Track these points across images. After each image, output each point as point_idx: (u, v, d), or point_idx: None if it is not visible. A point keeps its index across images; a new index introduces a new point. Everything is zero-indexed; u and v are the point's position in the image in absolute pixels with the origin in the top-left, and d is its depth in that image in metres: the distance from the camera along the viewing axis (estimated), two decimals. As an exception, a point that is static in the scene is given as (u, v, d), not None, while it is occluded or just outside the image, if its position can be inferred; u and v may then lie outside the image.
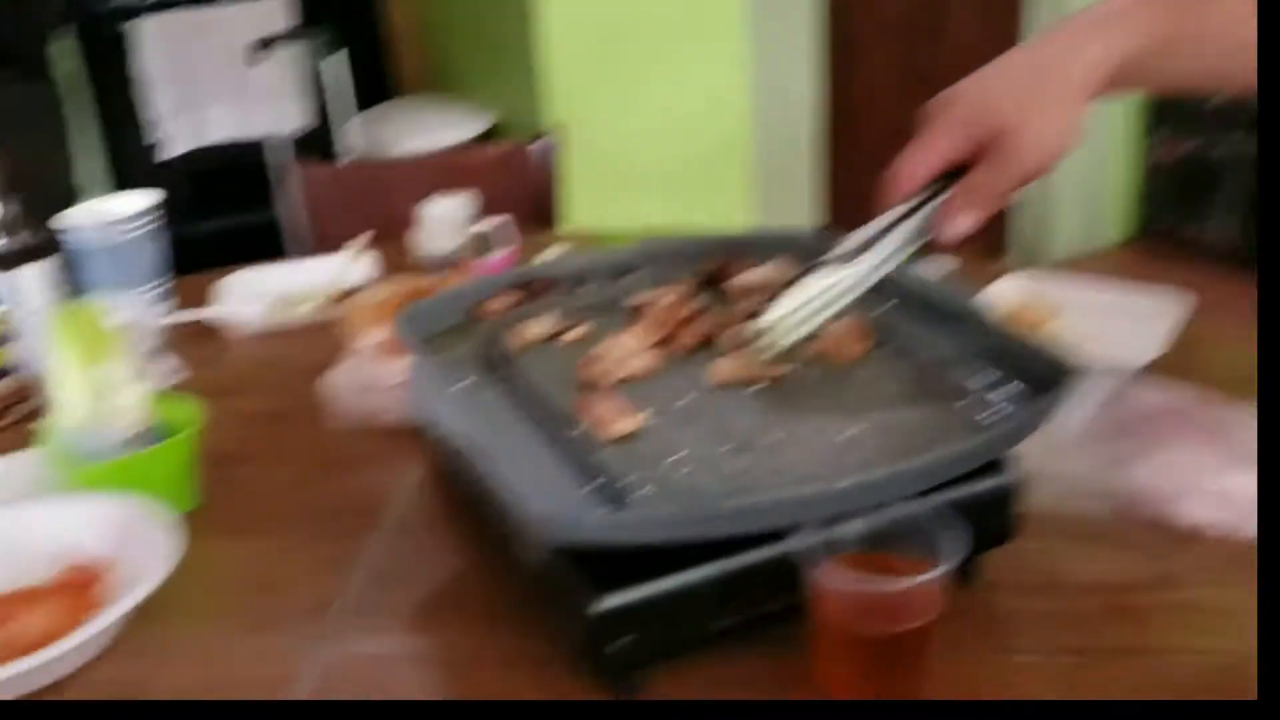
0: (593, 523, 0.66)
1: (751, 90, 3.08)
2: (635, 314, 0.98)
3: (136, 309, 1.23)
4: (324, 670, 0.83)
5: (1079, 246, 3.64)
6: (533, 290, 1.00)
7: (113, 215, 1.44)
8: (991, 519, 0.83)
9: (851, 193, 3.41)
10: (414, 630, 0.88)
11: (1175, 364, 1.12)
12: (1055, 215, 3.57)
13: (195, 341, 1.42)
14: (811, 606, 0.73)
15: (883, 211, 0.82)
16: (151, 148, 3.17)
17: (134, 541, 0.92)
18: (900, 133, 0.84)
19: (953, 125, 0.80)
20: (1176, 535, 0.90)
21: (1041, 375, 0.81)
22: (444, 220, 1.32)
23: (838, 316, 0.82)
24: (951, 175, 0.81)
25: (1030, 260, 3.63)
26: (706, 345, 0.92)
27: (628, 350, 0.90)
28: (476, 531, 0.94)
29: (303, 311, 1.43)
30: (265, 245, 2.89)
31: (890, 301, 0.96)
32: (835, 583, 0.70)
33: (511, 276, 1.02)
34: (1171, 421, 1.00)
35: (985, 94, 0.80)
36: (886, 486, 0.70)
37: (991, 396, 0.82)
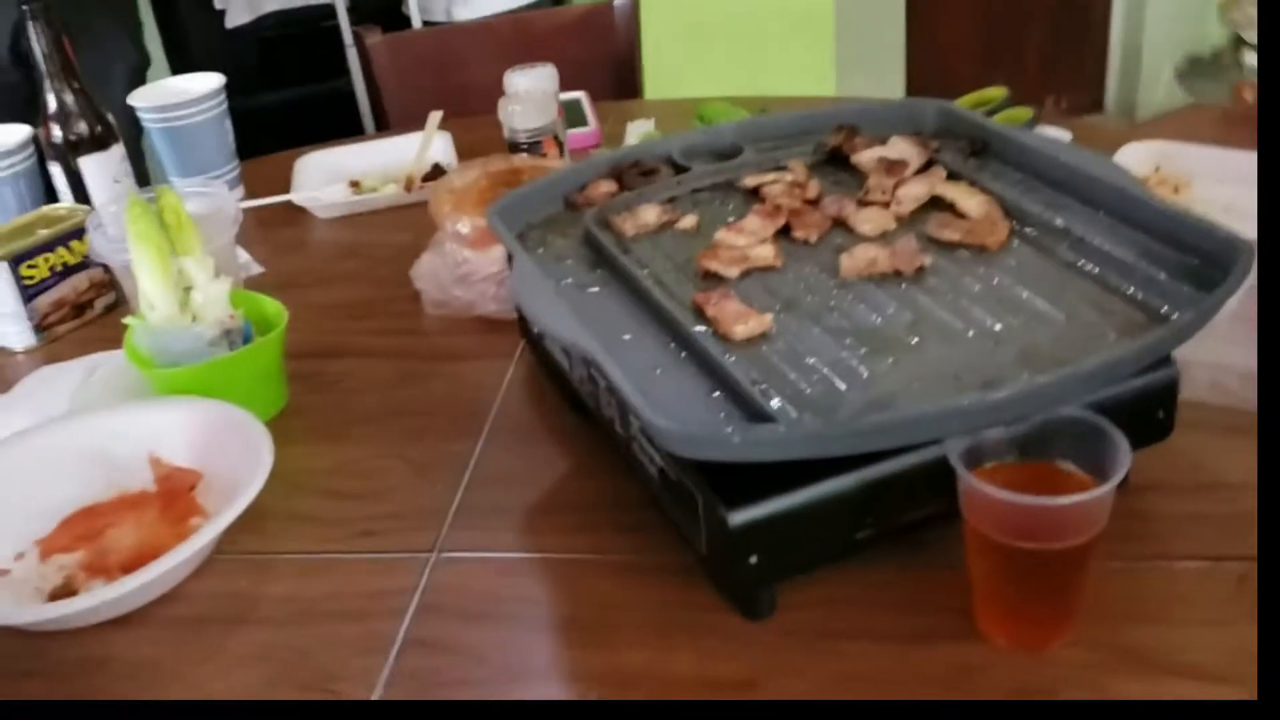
0: (725, 439, 0.60)
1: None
2: (751, 198, 0.91)
3: (212, 197, 1.18)
4: (434, 579, 0.79)
5: (1172, 102, 3.46)
6: (633, 175, 0.93)
7: (179, 97, 1.38)
8: (1148, 416, 0.76)
9: (936, 52, 3.25)
10: (525, 535, 0.83)
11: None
12: (1149, 70, 3.39)
13: (273, 229, 1.37)
14: (963, 520, 0.67)
15: None
16: (210, 17, 3.08)
17: (226, 448, 0.88)
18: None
19: None
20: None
21: (1211, 253, 0.73)
22: (529, 94, 1.24)
23: None
24: None
25: (1125, 114, 3.47)
26: (836, 229, 0.85)
27: (749, 238, 0.83)
28: (587, 432, 0.89)
29: (384, 194, 1.37)
30: (340, 117, 2.84)
31: (1020, 178, 0.88)
32: (990, 496, 0.64)
33: (608, 160, 0.94)
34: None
35: None
36: (1051, 393, 0.64)
37: (1157, 277, 0.74)
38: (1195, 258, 0.74)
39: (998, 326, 0.72)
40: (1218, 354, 0.87)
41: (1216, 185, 1.15)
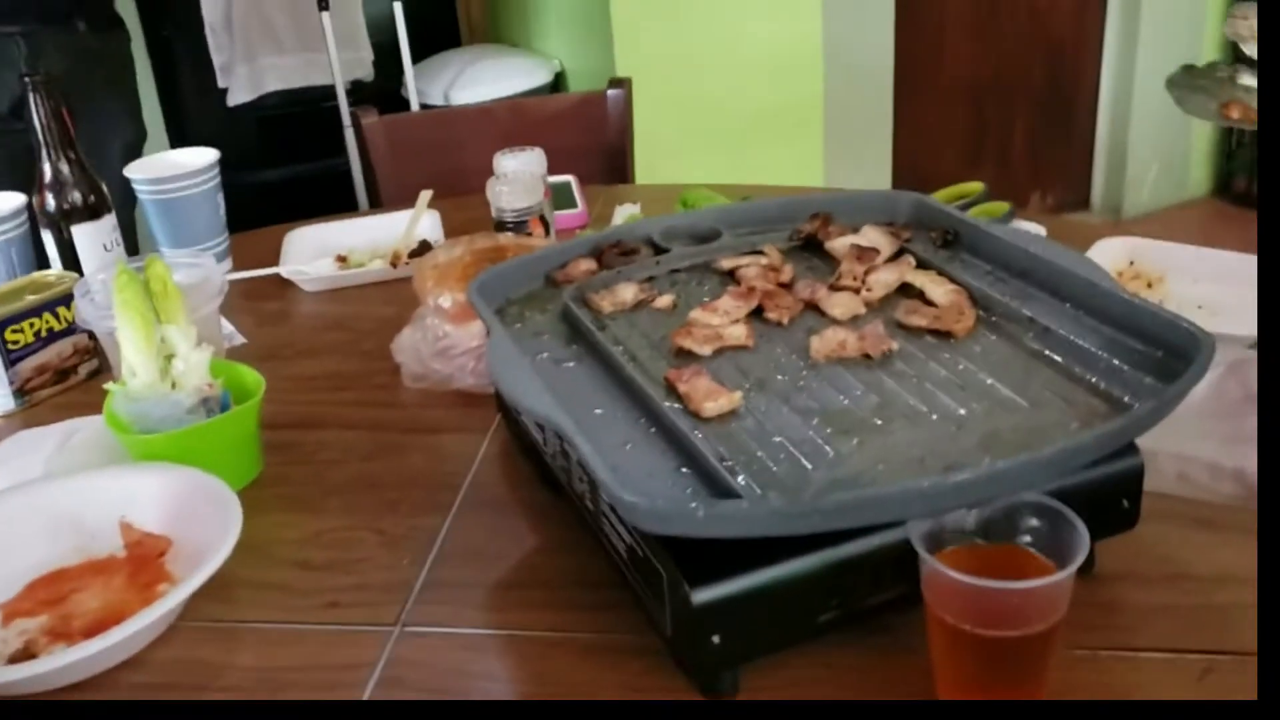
0: (690, 514, 0.61)
1: (824, 41, 2.98)
2: (727, 279, 0.92)
3: (199, 268, 1.19)
4: (397, 653, 0.79)
5: (1157, 201, 3.52)
6: (613, 255, 0.95)
7: (174, 170, 1.40)
8: (1112, 505, 0.76)
9: (922, 146, 3.31)
10: (490, 612, 0.83)
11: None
12: (1134, 168, 3.46)
13: (259, 300, 1.38)
14: (925, 603, 0.67)
15: None
16: (213, 97, 3.14)
17: (197, 516, 0.88)
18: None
19: None
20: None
21: (1174, 345, 0.74)
22: (517, 175, 1.26)
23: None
24: None
25: (1111, 213, 3.53)
26: (808, 312, 0.86)
27: (723, 317, 0.84)
28: (558, 508, 0.89)
29: (370, 269, 1.38)
30: (335, 194, 2.88)
31: (989, 269, 0.90)
32: (951, 581, 0.64)
33: (590, 240, 0.96)
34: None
35: None
36: (1012, 477, 0.64)
37: (1120, 368, 0.75)
38: (1158, 350, 0.76)
39: (961, 411, 0.73)
40: (1185, 446, 0.88)
41: (1191, 282, 1.18)
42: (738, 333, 0.82)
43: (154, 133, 3.36)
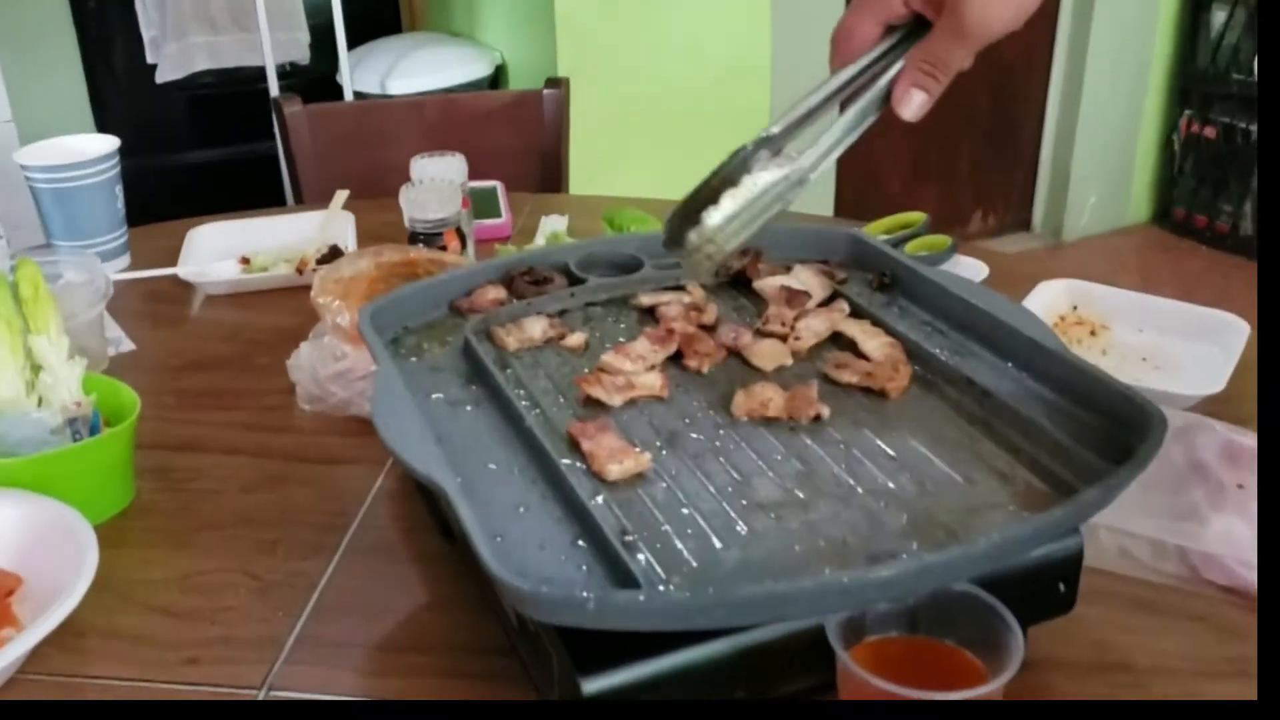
0: (580, 605, 0.54)
1: (772, 48, 2.92)
2: (646, 317, 0.85)
3: (84, 267, 1.10)
4: (261, 722, 0.71)
5: (1097, 226, 3.52)
6: (524, 283, 0.87)
7: (69, 158, 1.30)
8: (1048, 589, 0.70)
9: (867, 162, 3.26)
10: (366, 677, 0.75)
11: (1237, 395, 0.99)
12: (1076, 193, 3.45)
13: (156, 303, 1.29)
14: (840, 697, 0.61)
15: (837, 67, 0.72)
16: (141, 73, 3.00)
17: (51, 552, 0.80)
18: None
19: None
20: (1253, 608, 0.78)
21: (1123, 419, 0.68)
22: (434, 184, 1.18)
23: (776, 218, 0.70)
24: (907, 33, 0.71)
25: (1051, 235, 3.52)
26: (731, 358, 0.79)
27: (637, 363, 0.77)
28: (450, 559, 0.82)
29: (274, 274, 1.29)
30: (266, 181, 2.76)
31: (928, 319, 0.83)
32: (868, 685, 0.58)
33: (500, 266, 0.88)
34: (1244, 470, 0.88)
35: None
36: (940, 571, 0.58)
37: (1063, 444, 0.69)
38: (1105, 421, 0.70)
39: (890, 485, 0.66)
40: (1127, 521, 0.82)
41: (1135, 331, 1.13)
42: (651, 382, 0.75)
43: (77, 108, 3.22)
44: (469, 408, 0.75)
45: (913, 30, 0.70)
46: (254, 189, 2.55)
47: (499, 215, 1.43)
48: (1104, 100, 3.36)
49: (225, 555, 0.86)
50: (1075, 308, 1.16)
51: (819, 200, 3.18)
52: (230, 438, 1.02)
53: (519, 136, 1.93)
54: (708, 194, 0.69)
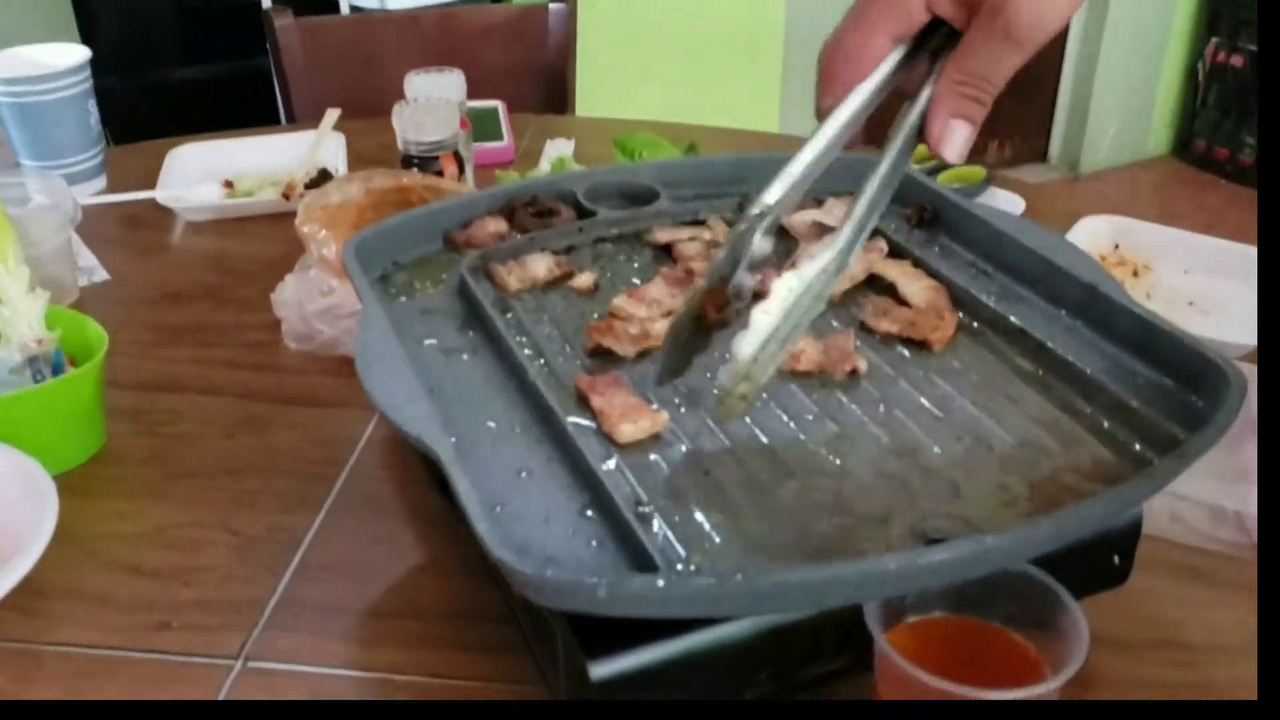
0: (589, 592, 0.47)
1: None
2: (662, 255, 0.77)
3: (50, 190, 1.02)
4: (237, 697, 0.65)
5: (1115, 159, 3.42)
6: (527, 215, 0.79)
7: (35, 70, 1.21)
8: (1101, 561, 0.64)
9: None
10: (353, 646, 0.69)
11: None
12: (1095, 125, 3.34)
13: (134, 229, 1.21)
14: (877, 687, 0.55)
15: (831, 102, 0.55)
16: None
17: (10, 505, 0.73)
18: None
19: None
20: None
21: (1193, 378, 0.61)
22: (430, 103, 1.09)
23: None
24: (922, 37, 0.55)
25: (1068, 168, 3.42)
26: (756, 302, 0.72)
27: (651, 308, 0.69)
28: (450, 517, 0.75)
29: (259, 199, 1.21)
30: (259, 99, 2.66)
31: (971, 259, 0.76)
32: (909, 676, 0.51)
33: (501, 194, 0.80)
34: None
35: None
36: (998, 555, 0.51)
37: (1126, 402, 0.62)
38: (1175, 379, 0.63)
39: (936, 449, 0.59)
40: (1179, 484, 0.75)
41: (1180, 273, 1.05)
42: (669, 329, 0.67)
43: (60, 18, 3.10)
44: (465, 356, 0.67)
45: (924, 38, 0.55)
46: (245, 108, 2.45)
47: (500, 138, 1.34)
48: (1129, 26, 3.24)
49: (203, 507, 0.79)
50: (1117, 246, 1.08)
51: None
52: (211, 377, 0.94)
53: (523, 54, 1.83)
54: (710, 307, 0.58)
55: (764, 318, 0.55)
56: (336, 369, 0.94)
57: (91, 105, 1.25)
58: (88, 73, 1.24)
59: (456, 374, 0.65)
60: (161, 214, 1.22)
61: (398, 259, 0.76)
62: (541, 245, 0.77)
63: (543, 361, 0.66)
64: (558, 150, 1.35)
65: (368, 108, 1.56)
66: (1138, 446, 0.59)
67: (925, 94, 0.54)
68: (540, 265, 0.74)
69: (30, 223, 0.97)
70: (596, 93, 2.14)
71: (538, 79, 1.84)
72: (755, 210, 0.56)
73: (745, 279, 0.57)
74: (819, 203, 0.81)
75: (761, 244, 0.56)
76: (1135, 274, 1.05)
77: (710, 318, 0.60)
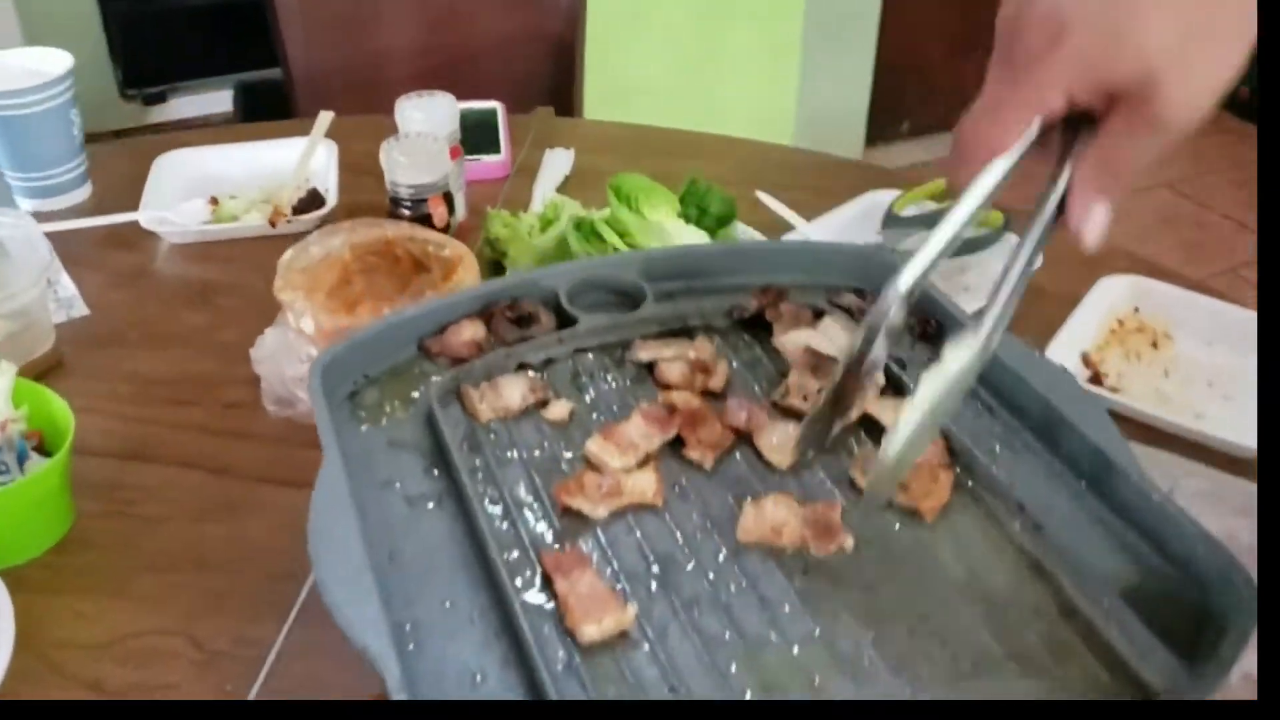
0: None
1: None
2: (643, 373, 0.73)
3: (20, 231, 0.97)
4: None
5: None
6: (504, 322, 0.75)
7: (17, 83, 1.16)
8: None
9: (910, 30, 3.04)
10: (316, 789, 0.67)
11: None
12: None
13: (116, 249, 1.17)
14: None
15: (959, 188, 0.55)
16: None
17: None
18: None
19: (1067, 64, 0.51)
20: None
21: (1202, 580, 0.57)
22: (419, 143, 1.04)
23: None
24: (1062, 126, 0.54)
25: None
26: (740, 445, 0.68)
27: (627, 455, 0.65)
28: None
29: (244, 224, 1.16)
30: (258, 33, 2.59)
31: (974, 393, 0.71)
32: None
33: (478, 297, 0.76)
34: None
35: (1119, 13, 0.50)
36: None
37: (1123, 609, 0.58)
38: (1181, 574, 0.58)
39: (920, 668, 0.55)
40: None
41: (1201, 345, 1.00)
42: (644, 487, 0.63)
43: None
44: (431, 505, 0.64)
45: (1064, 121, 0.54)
46: (247, 37, 2.39)
47: (497, 150, 1.29)
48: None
49: (167, 611, 0.77)
50: (1137, 309, 1.03)
51: (857, 67, 2.99)
52: (186, 445, 0.91)
53: (529, 20, 1.76)
54: (850, 387, 0.59)
55: (912, 413, 0.55)
56: (315, 440, 0.90)
57: (74, 114, 1.20)
58: (70, 81, 1.18)
59: (420, 532, 0.62)
60: (145, 232, 1.17)
61: (369, 371, 0.72)
62: (518, 360, 0.73)
63: (508, 524, 0.62)
64: (558, 162, 1.29)
65: (365, 77, 1.50)
66: (1133, 666, 0.55)
67: (1064, 178, 0.53)
68: (515, 391, 0.70)
69: (7, 276, 0.93)
70: (603, 57, 2.04)
71: (543, 46, 1.77)
72: (892, 293, 0.56)
73: (881, 351, 0.58)
74: (816, 315, 0.76)
75: (898, 315, 0.56)
76: (1154, 345, 1.00)
77: (850, 399, 0.62)
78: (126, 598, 0.78)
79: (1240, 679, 0.68)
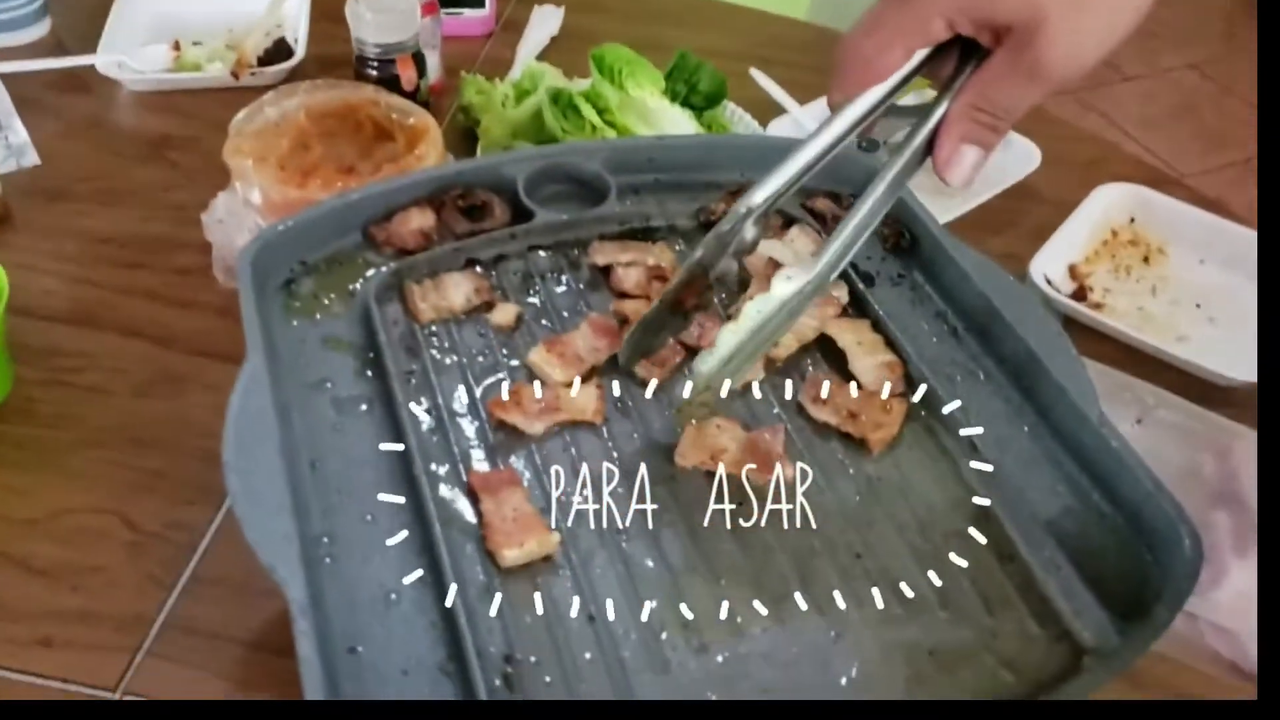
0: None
1: None
2: (598, 276, 0.70)
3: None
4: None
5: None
6: (454, 212, 0.71)
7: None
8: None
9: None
10: (236, 686, 0.65)
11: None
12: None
13: (72, 93, 1.11)
14: None
15: (835, 107, 0.55)
16: None
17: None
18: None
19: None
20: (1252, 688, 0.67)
21: (1149, 528, 0.55)
22: (388, -3, 0.97)
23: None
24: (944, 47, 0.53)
25: None
26: (690, 358, 0.65)
27: (570, 367, 0.62)
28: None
29: (206, 74, 1.11)
30: None
31: (943, 309, 0.68)
32: None
33: (429, 181, 0.71)
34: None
35: None
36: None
37: (1066, 564, 0.56)
38: (1129, 522, 0.56)
39: (843, 607, 0.54)
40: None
41: (1194, 262, 0.96)
42: (584, 405, 0.60)
43: None
44: (362, 408, 0.61)
45: (946, 48, 0.53)
46: None
47: (480, 4, 1.21)
48: None
49: (103, 487, 0.75)
50: (1133, 220, 0.98)
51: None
52: (132, 311, 0.88)
53: None
54: (689, 296, 0.58)
55: (730, 336, 0.55)
56: (264, 314, 0.87)
57: (31, -58, 1.13)
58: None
59: (346, 439, 0.59)
60: (103, 76, 1.12)
61: (306, 257, 0.68)
62: (468, 255, 0.69)
63: (438, 438, 0.59)
64: (547, 18, 1.22)
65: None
66: (1074, 624, 0.53)
67: (938, 112, 0.53)
68: (459, 291, 0.66)
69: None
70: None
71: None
72: (743, 209, 0.55)
73: (730, 265, 0.57)
74: (785, 223, 0.72)
75: (749, 232, 0.55)
76: (1146, 260, 0.96)
77: (689, 304, 0.60)
78: (64, 473, 0.76)
79: (1233, 596, 0.67)
